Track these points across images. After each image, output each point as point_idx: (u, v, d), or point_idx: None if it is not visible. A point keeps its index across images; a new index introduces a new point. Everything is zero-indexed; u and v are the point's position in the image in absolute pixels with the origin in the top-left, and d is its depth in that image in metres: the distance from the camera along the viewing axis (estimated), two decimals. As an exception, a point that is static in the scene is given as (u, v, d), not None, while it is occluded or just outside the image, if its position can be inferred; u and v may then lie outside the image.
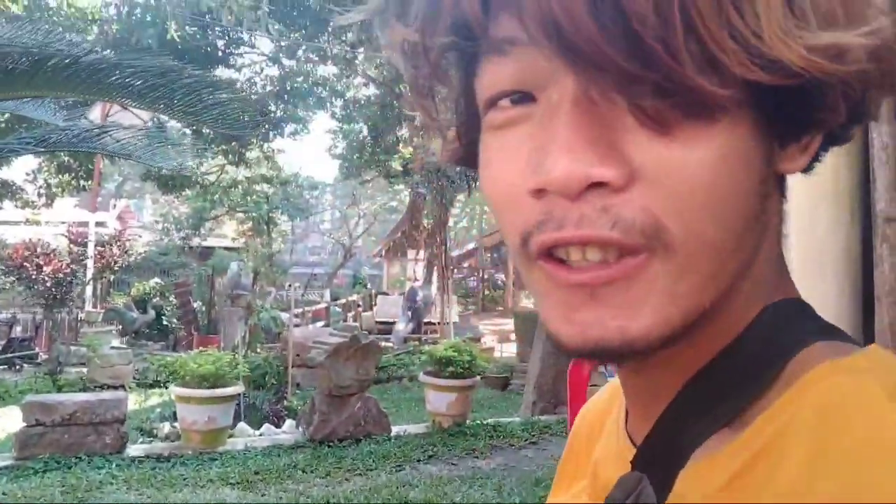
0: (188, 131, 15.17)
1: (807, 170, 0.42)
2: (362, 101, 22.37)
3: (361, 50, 18.85)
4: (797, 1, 0.34)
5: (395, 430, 6.85)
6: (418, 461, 6.06)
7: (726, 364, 0.41)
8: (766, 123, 0.37)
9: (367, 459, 6.00)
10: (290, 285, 13.35)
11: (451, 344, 7.61)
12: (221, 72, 18.72)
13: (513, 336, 13.36)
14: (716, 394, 0.41)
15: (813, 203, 1.97)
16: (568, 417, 2.66)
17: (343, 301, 19.70)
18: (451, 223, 20.09)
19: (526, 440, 6.76)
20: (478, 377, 7.60)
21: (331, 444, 6.34)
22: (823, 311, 0.44)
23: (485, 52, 0.39)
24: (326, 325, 14.86)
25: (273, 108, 19.29)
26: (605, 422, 0.54)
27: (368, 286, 24.99)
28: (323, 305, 18.85)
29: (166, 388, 8.32)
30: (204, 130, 16.63)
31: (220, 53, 18.62)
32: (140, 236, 21.44)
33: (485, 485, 5.47)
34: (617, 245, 0.36)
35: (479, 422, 7.27)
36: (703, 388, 0.41)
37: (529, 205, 0.38)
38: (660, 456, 0.42)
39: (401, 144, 22.18)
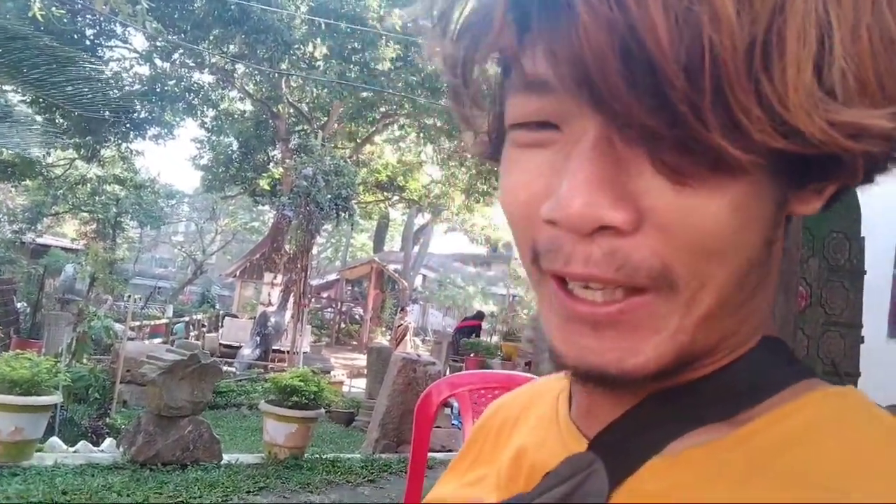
0: (39, 118, 14.01)
1: (826, 207, 0.42)
2: (236, 115, 21.72)
3: (242, 63, 18.37)
4: (828, 71, 0.33)
5: (226, 458, 6.48)
6: (248, 492, 5.74)
7: (719, 380, 0.43)
8: (784, 171, 0.38)
9: (191, 487, 5.61)
10: (129, 296, 12.51)
11: (299, 373, 7.36)
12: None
13: (364, 372, 13.21)
14: (703, 400, 0.42)
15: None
16: (410, 456, 2.61)
17: (187, 319, 18.68)
18: (314, 251, 19.73)
19: (364, 477, 6.61)
20: (322, 410, 7.39)
21: (153, 467, 5.89)
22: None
23: (515, 85, 0.40)
24: (165, 343, 14.01)
25: (138, 107, 18.27)
26: (523, 417, 0.56)
27: (217, 306, 23.92)
28: (164, 321, 17.78)
29: (-31, 392, 7.43)
30: (57, 120, 15.44)
31: (87, 42, 17.49)
32: (-37, 224, 19.37)
33: (315, 521, 5.26)
34: (622, 285, 0.38)
35: (317, 456, 7.04)
36: (688, 394, 0.43)
37: (541, 227, 0.39)
38: (624, 444, 0.43)
39: (271, 164, 21.67)
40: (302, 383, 6.91)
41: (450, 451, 7.83)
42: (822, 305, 3.49)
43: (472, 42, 0.41)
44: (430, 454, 3.33)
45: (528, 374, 3.41)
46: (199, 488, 5.59)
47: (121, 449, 6.23)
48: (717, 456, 0.39)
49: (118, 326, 10.56)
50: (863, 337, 3.23)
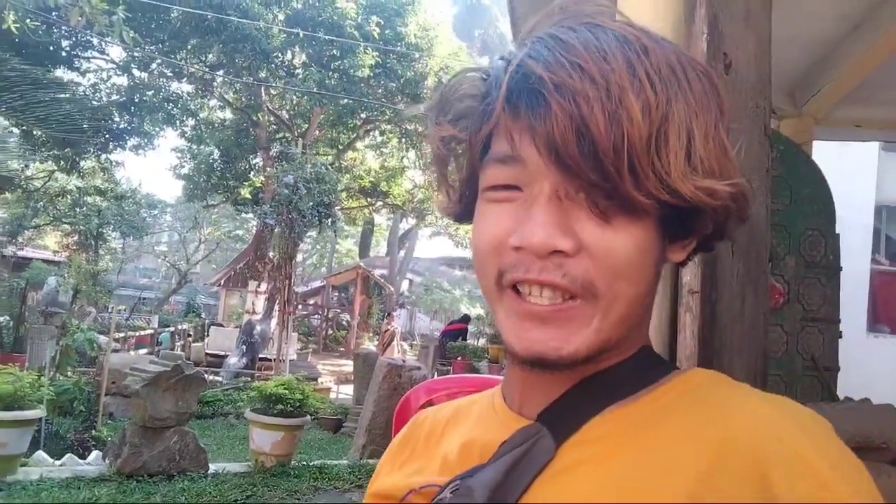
0: (15, 130, 13.89)
1: (683, 263, 0.65)
2: (216, 124, 21.61)
3: (221, 72, 18.31)
4: (693, 157, 0.56)
5: (213, 467, 6.47)
6: (235, 501, 5.76)
7: (624, 368, 0.62)
8: (665, 226, 0.59)
9: (178, 497, 5.61)
10: (113, 307, 12.42)
11: (283, 381, 7.36)
12: (64, 74, 17.43)
13: (352, 378, 13.18)
14: (616, 382, 0.61)
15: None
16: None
17: (172, 329, 18.56)
18: (299, 258, 19.65)
19: (352, 483, 6.62)
20: (308, 417, 7.40)
21: (140, 479, 5.88)
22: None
23: (493, 158, 0.59)
24: (150, 353, 13.92)
25: (117, 118, 18.13)
26: (451, 423, 0.72)
27: (202, 316, 23.79)
28: (149, 332, 17.66)
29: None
30: (35, 132, 15.32)
31: (64, 54, 17.36)
32: (-58, 239, 19.12)
33: (303, 528, 5.26)
34: (564, 289, 0.56)
35: (304, 463, 7.05)
36: (605, 377, 0.61)
37: (508, 253, 0.57)
38: (564, 416, 0.60)
39: (252, 172, 21.57)
40: (286, 391, 6.91)
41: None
42: (799, 302, 3.55)
43: (473, 125, 0.61)
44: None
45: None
46: (185, 498, 5.59)
47: (107, 461, 6.22)
48: (639, 412, 0.58)
49: (102, 338, 10.50)
50: (841, 332, 3.28)
